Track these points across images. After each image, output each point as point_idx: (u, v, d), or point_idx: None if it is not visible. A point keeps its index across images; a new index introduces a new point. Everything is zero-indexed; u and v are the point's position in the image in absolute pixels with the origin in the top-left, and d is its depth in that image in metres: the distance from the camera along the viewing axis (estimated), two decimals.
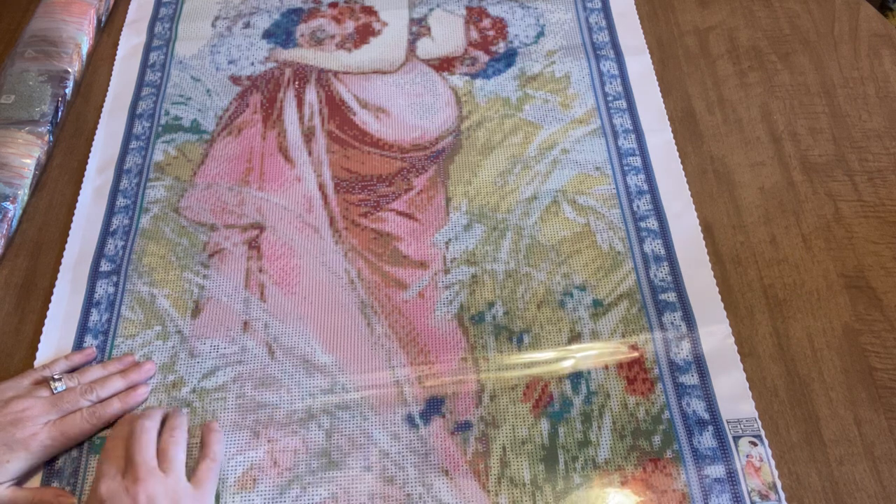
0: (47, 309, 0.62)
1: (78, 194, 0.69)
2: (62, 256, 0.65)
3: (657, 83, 0.72)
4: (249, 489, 0.52)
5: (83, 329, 0.60)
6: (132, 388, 0.57)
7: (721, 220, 0.64)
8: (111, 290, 0.63)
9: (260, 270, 0.63)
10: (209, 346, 0.59)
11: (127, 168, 0.70)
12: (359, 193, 0.67)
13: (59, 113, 0.74)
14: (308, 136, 0.72)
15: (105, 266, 0.64)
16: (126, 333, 0.60)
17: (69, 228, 0.67)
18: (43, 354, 0.59)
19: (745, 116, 0.70)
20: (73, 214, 0.68)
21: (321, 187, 0.68)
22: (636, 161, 0.67)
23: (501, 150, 0.69)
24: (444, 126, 0.71)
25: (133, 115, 0.75)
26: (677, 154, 0.67)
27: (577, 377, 0.56)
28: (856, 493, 0.50)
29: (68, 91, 0.75)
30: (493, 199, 0.66)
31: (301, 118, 0.73)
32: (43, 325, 0.61)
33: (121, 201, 0.68)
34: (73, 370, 0.58)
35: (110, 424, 0.55)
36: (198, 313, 0.61)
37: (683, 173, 0.66)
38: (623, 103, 0.71)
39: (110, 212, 0.67)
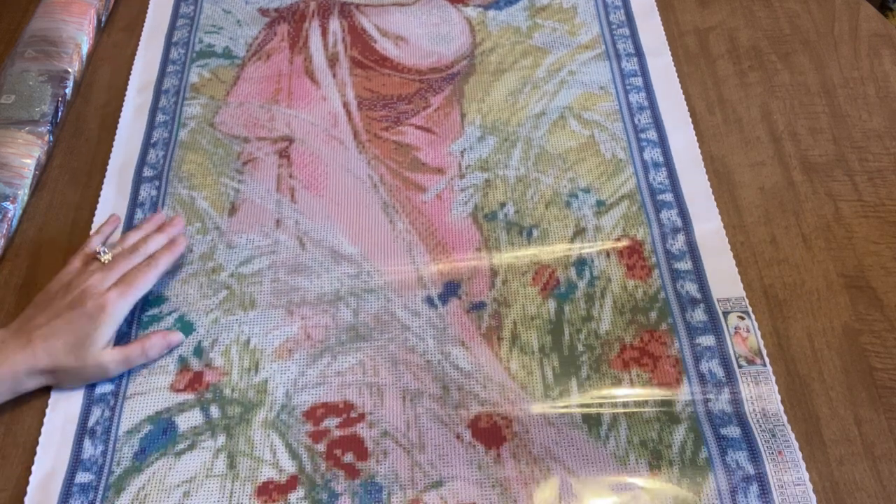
0: None
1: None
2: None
3: (657, 11, 0.77)
4: (286, 358, 0.58)
5: (129, 228, 0.66)
6: (173, 240, 0.62)
7: (721, 219, 0.64)
8: (154, 192, 0.68)
9: (290, 176, 0.69)
10: (245, 238, 0.65)
11: (165, 89, 0.76)
12: (380, 111, 0.73)
13: (59, 113, 0.74)
14: (332, 60, 0.77)
15: (147, 172, 0.70)
16: None
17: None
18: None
19: (745, 116, 0.70)
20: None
21: (345, 105, 0.73)
22: (638, 81, 0.72)
23: (513, 72, 0.74)
24: (459, 52, 0.77)
25: (169, 43, 0.80)
26: (676, 75, 0.72)
27: (581, 264, 0.61)
28: (856, 493, 0.50)
29: (68, 91, 0.75)
30: (504, 114, 0.71)
31: (325, 45, 0.79)
32: None
33: (160, 117, 0.74)
34: (106, 241, 0.62)
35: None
36: (234, 212, 0.67)
37: (681, 90, 0.71)
38: (626, 31, 0.76)
39: (150, 126, 0.73)
